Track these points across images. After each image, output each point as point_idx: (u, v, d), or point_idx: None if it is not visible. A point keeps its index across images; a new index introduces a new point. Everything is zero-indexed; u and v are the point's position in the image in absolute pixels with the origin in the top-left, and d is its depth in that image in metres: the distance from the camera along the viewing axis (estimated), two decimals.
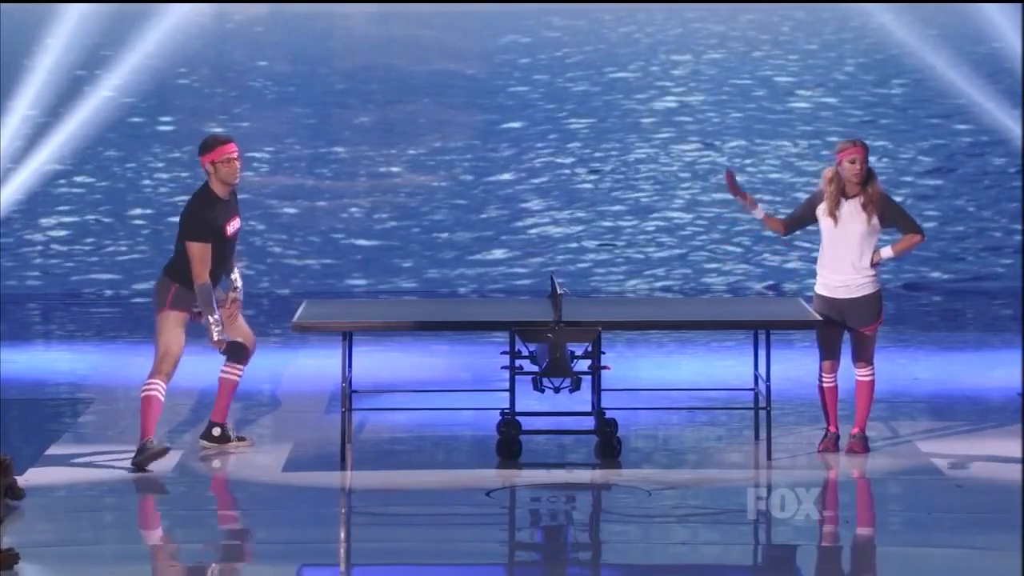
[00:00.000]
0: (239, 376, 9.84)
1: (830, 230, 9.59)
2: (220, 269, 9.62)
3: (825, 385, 9.66)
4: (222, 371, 9.81)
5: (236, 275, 9.82)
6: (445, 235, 16.69)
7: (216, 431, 9.82)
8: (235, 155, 9.58)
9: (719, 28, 18.36)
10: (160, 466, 9.48)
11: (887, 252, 9.60)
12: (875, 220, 9.53)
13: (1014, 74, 16.98)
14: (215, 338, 9.49)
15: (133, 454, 9.48)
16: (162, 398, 9.52)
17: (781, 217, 10.07)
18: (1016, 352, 12.76)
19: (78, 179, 17.00)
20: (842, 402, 9.78)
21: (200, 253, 9.44)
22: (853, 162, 9.53)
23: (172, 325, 9.52)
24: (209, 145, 9.58)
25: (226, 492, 9.30)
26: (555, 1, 17.91)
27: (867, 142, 9.80)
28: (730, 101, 17.68)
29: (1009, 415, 10.67)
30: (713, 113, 17.68)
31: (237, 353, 9.71)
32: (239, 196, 9.83)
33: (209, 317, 9.45)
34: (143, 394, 9.52)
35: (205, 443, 9.83)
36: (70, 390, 11.68)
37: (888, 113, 17.60)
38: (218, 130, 9.53)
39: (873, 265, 9.54)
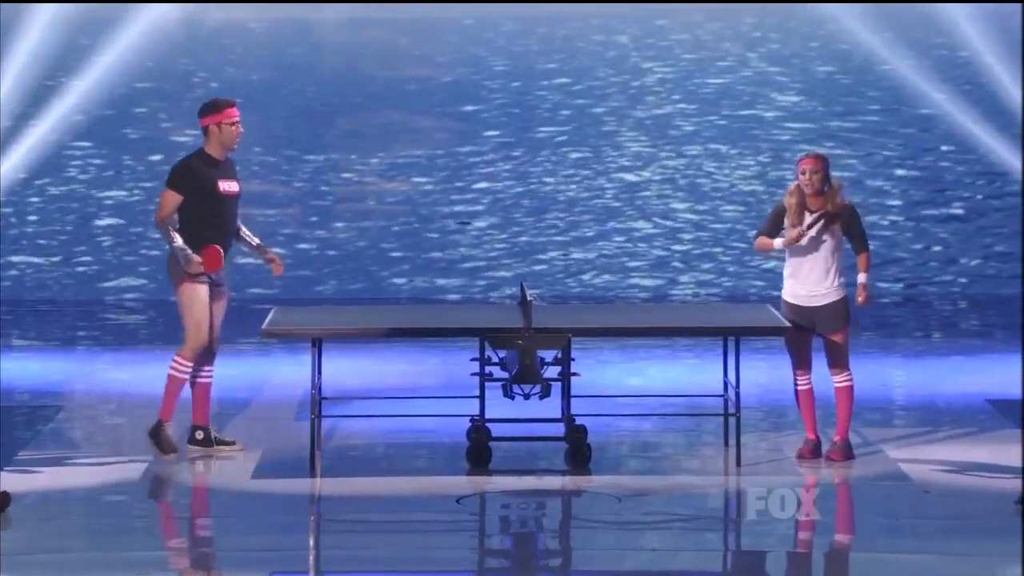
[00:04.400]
0: (210, 378, 9.81)
1: (794, 244, 9.63)
2: (216, 231, 9.60)
3: (800, 389, 9.68)
4: (192, 375, 9.78)
5: (253, 238, 9.86)
6: (416, 243, 16.68)
7: (199, 434, 9.81)
8: (239, 119, 9.68)
9: (689, 36, 18.40)
10: (129, 474, 9.45)
11: (863, 278, 9.65)
12: (839, 233, 9.57)
13: (979, 80, 17.05)
14: (184, 261, 9.46)
15: (151, 427, 9.62)
16: (186, 379, 9.60)
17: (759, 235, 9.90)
18: (984, 358, 12.82)
19: (45, 187, 16.94)
20: (820, 408, 9.78)
21: (168, 200, 9.54)
22: (804, 173, 9.58)
23: (197, 297, 9.54)
24: (217, 106, 9.71)
25: (195, 499, 9.27)
26: (535, 1, 17.91)
27: (840, 149, 9.85)
28: (700, 108, 17.71)
29: (976, 421, 10.71)
30: (684, 120, 17.71)
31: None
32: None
33: (172, 240, 9.49)
34: (169, 371, 9.60)
35: (191, 447, 9.83)
36: (38, 397, 11.63)
37: (858, 120, 17.65)
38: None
39: (866, 298, 9.59)
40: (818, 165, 9.58)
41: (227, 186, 9.68)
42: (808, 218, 9.59)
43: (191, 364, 9.60)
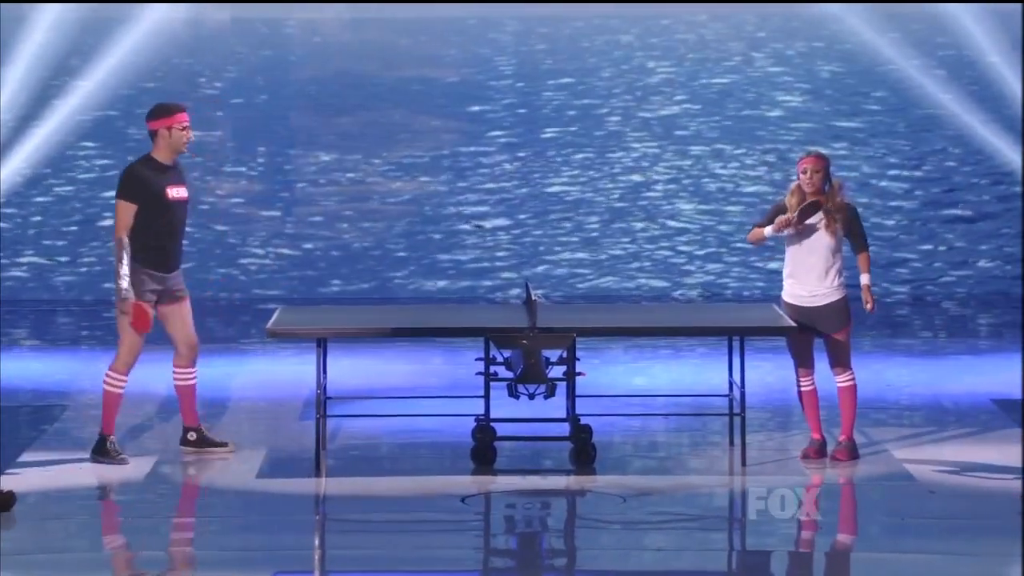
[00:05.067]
0: (193, 380, 9.80)
1: (795, 242, 9.62)
2: (169, 239, 9.57)
3: (803, 390, 9.68)
4: (174, 378, 9.80)
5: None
6: (421, 243, 16.68)
7: (192, 435, 9.82)
8: (188, 123, 9.62)
9: (694, 36, 18.39)
10: (132, 473, 9.45)
11: (865, 280, 9.65)
12: (840, 233, 9.57)
13: (984, 80, 17.04)
14: (121, 295, 9.45)
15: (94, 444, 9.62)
16: (120, 391, 9.62)
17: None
18: (990, 359, 12.81)
19: (51, 187, 16.95)
20: (825, 409, 9.77)
21: (124, 211, 9.49)
22: (805, 172, 9.57)
23: (126, 315, 9.52)
24: (167, 110, 9.61)
25: (199, 499, 9.27)
26: (536, 1, 17.90)
27: (841, 147, 9.84)
28: (705, 108, 17.71)
29: (982, 421, 10.70)
30: (689, 120, 17.70)
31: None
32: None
33: (119, 269, 9.45)
34: (104, 386, 9.63)
35: (184, 449, 9.84)
36: (42, 397, 11.63)
37: (863, 120, 17.64)
38: None
39: (873, 303, 9.59)
40: (819, 164, 9.58)
41: (176, 192, 9.60)
42: (813, 218, 9.57)
43: (124, 378, 9.61)
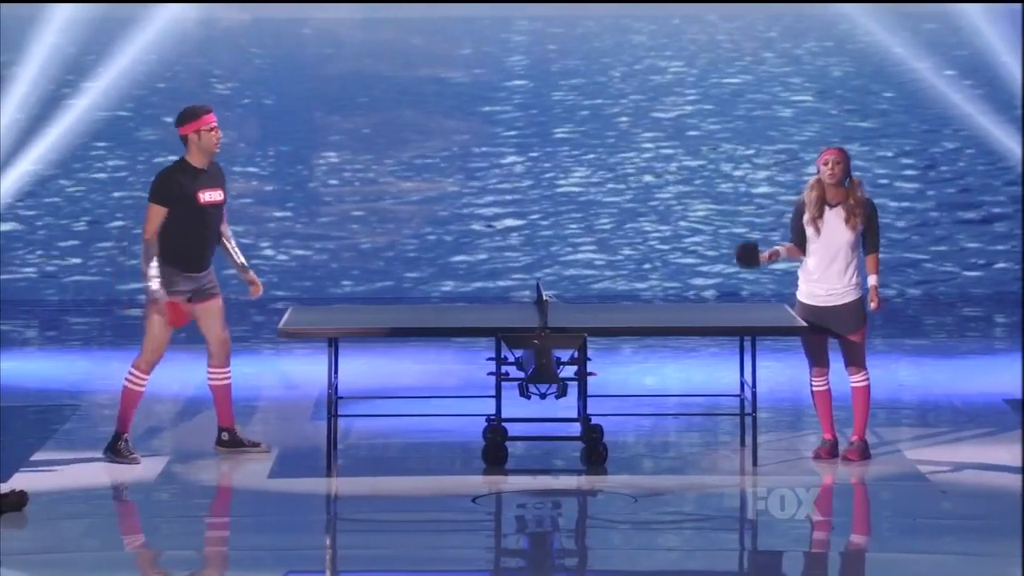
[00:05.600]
0: (227, 379, 9.83)
1: (814, 239, 9.62)
2: (201, 241, 9.62)
3: (816, 390, 9.68)
4: (208, 378, 9.83)
5: (239, 254, 9.83)
6: (432, 243, 16.69)
7: (225, 435, 9.85)
8: (216, 124, 9.67)
9: (705, 36, 18.39)
10: (144, 473, 9.47)
11: (873, 280, 9.65)
12: (859, 228, 9.58)
13: (997, 80, 17.01)
14: (152, 295, 9.52)
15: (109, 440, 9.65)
16: (141, 390, 9.67)
17: (788, 244, 9.83)
18: (1002, 358, 12.80)
19: (63, 188, 16.98)
20: (839, 409, 9.76)
21: (153, 214, 9.57)
22: (827, 163, 9.61)
23: (160, 316, 9.55)
24: (194, 114, 9.67)
25: (211, 499, 9.28)
26: (548, 1, 17.90)
27: (853, 148, 9.86)
28: (717, 108, 17.70)
29: (993, 421, 10.68)
30: (701, 120, 17.69)
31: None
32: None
33: (147, 270, 9.51)
34: (124, 383, 9.68)
35: (218, 448, 9.87)
36: (54, 397, 11.65)
37: (874, 120, 17.62)
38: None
39: (879, 303, 9.60)
40: (840, 156, 9.64)
41: (208, 196, 9.64)
42: (828, 213, 9.57)
43: (146, 377, 9.66)
